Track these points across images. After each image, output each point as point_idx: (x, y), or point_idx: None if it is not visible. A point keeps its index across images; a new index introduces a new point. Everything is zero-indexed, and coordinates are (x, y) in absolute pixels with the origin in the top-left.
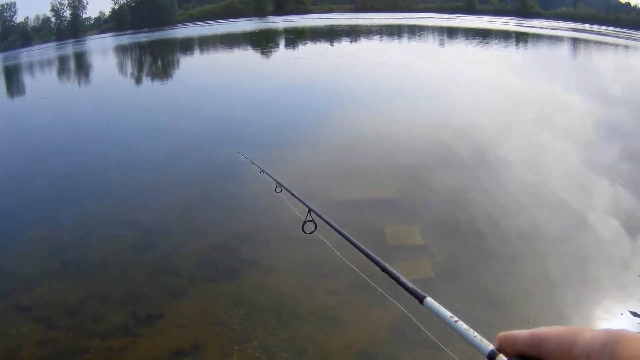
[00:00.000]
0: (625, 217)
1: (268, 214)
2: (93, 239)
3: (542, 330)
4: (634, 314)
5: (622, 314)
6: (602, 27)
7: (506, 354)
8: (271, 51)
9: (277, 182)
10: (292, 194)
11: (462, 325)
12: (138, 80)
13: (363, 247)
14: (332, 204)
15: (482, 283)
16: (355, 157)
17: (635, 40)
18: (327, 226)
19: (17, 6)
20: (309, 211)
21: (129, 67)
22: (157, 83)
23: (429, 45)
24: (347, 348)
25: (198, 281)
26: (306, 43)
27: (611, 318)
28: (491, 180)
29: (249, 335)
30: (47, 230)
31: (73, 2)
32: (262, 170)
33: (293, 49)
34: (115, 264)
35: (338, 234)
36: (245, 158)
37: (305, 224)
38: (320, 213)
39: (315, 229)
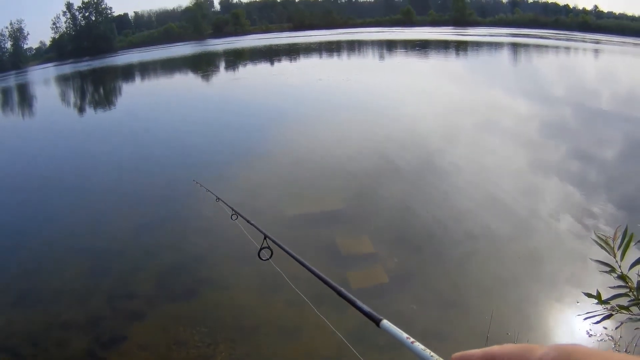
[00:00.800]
0: (570, 211)
1: (225, 241)
2: (48, 267)
3: (494, 348)
4: (588, 295)
5: (577, 303)
6: (542, 31)
7: None
8: (211, 74)
9: (233, 210)
10: (248, 221)
11: (419, 346)
12: (82, 109)
13: (319, 272)
14: (283, 220)
15: (436, 284)
16: (302, 173)
17: (575, 41)
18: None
19: None
20: (264, 238)
21: (72, 96)
22: (101, 111)
23: (369, 60)
24: (309, 356)
25: (157, 302)
26: (246, 64)
27: (567, 300)
28: (437, 187)
29: (212, 351)
30: (1, 262)
31: (14, 32)
32: (218, 198)
33: (233, 70)
34: (73, 290)
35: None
36: (201, 186)
37: (262, 251)
38: (276, 239)
39: (271, 255)
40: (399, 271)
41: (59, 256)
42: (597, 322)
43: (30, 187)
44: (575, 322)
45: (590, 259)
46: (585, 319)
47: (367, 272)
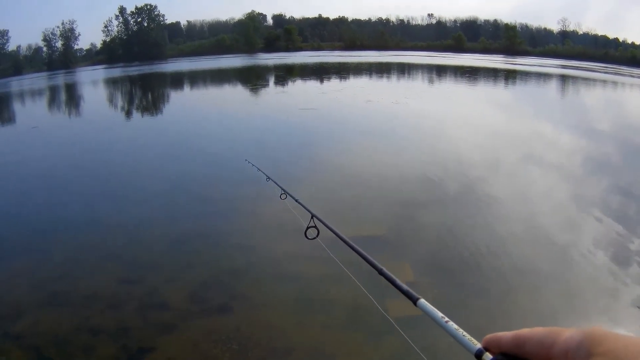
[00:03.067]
0: (615, 249)
1: (264, 260)
2: (82, 270)
3: (525, 331)
4: None
5: None
6: (591, 64)
7: (492, 353)
8: (260, 87)
9: (283, 189)
10: (296, 200)
11: (453, 325)
12: (129, 113)
13: (362, 252)
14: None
15: (474, 321)
16: (346, 195)
17: (623, 75)
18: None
19: (9, 34)
20: (311, 217)
21: (120, 99)
22: (149, 116)
23: (418, 84)
24: None
25: (190, 315)
26: (295, 80)
27: None
28: (481, 216)
29: None
30: (36, 261)
31: (65, 32)
32: (268, 177)
33: (282, 85)
34: (105, 296)
35: (339, 239)
36: (252, 165)
37: (308, 230)
38: (322, 219)
39: (317, 234)
40: (437, 303)
41: (95, 260)
42: None
43: (73, 190)
44: None
45: (638, 307)
46: None
47: (407, 302)
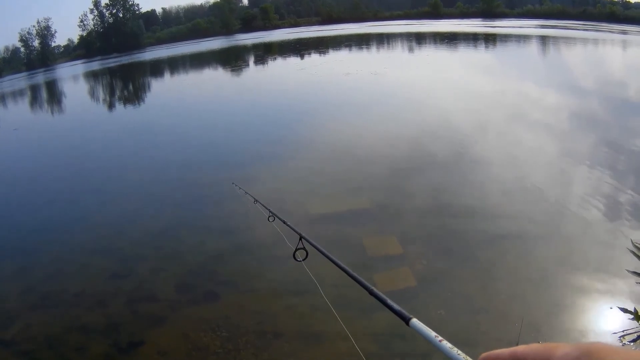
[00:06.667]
0: (608, 212)
1: (248, 243)
2: (70, 269)
3: (521, 348)
4: (624, 310)
5: (611, 308)
6: (570, 22)
7: None
8: (239, 68)
9: (270, 211)
10: (284, 222)
11: (447, 344)
12: (111, 106)
13: (352, 272)
14: (309, 220)
15: (465, 288)
16: (330, 170)
17: (603, 31)
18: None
19: None
20: (300, 239)
21: (101, 93)
22: (131, 108)
23: (397, 53)
24: None
25: (179, 306)
26: (274, 58)
27: (600, 313)
28: (468, 184)
29: (233, 358)
30: (24, 263)
31: (41, 31)
32: (256, 200)
33: (262, 64)
34: (93, 293)
35: (328, 260)
36: (240, 188)
37: (297, 252)
38: (311, 240)
39: (306, 256)
40: (427, 274)
41: (82, 258)
42: (633, 341)
43: (55, 188)
44: (610, 337)
45: (627, 270)
46: (621, 336)
47: (395, 274)
